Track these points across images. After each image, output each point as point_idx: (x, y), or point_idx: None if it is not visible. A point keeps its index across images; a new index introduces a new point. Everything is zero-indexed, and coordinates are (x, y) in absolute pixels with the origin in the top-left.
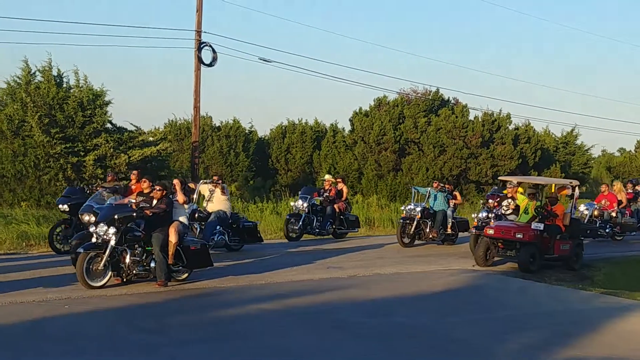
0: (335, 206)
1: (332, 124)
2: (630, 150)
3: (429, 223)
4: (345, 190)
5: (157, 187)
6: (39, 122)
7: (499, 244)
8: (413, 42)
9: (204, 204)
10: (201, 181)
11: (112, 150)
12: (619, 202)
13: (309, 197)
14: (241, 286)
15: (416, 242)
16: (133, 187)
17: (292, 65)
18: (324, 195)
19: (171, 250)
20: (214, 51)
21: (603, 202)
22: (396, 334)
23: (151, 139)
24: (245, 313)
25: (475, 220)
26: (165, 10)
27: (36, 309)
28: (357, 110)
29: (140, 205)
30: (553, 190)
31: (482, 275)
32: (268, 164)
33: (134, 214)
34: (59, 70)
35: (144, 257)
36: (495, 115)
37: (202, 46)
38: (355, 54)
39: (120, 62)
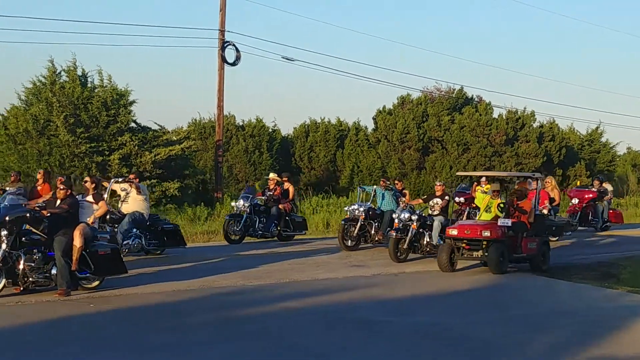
0: (281, 206)
1: (355, 123)
2: None
3: (375, 224)
4: (291, 189)
5: (60, 186)
6: (64, 121)
7: (464, 245)
8: (436, 40)
9: (119, 205)
10: (113, 180)
11: (136, 149)
12: (551, 200)
13: (251, 196)
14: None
15: (362, 245)
16: (39, 187)
17: (315, 63)
18: (268, 195)
19: (75, 255)
20: (237, 50)
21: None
22: (418, 334)
23: (175, 138)
24: (266, 312)
25: (397, 221)
26: (189, 9)
27: (61, 307)
28: (381, 109)
29: (38, 205)
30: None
31: (505, 275)
32: (291, 163)
33: (27, 215)
34: (83, 70)
35: (44, 264)
36: (519, 112)
37: (225, 45)
38: (378, 52)
39: (144, 61)
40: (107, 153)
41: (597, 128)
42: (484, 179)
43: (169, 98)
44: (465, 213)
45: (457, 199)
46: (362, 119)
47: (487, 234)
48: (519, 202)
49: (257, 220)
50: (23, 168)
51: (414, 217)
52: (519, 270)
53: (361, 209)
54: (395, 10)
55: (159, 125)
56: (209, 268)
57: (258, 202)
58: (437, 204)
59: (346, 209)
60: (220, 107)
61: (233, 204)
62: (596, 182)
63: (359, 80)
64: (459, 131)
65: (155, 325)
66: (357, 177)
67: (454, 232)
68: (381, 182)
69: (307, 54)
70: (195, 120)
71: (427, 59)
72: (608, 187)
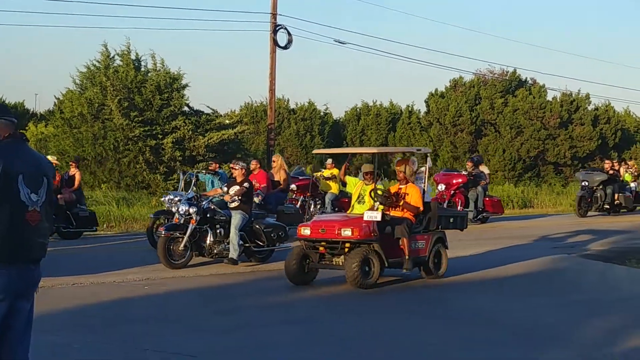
0: (60, 197)
1: (407, 106)
2: None
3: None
4: (77, 176)
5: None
6: (118, 105)
7: (320, 248)
8: (490, 21)
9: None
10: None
11: (190, 132)
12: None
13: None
14: None
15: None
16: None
17: (367, 46)
18: None
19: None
20: (289, 34)
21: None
22: (475, 319)
23: (227, 121)
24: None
25: (177, 217)
26: None
27: (117, 289)
28: (433, 92)
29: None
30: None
31: (560, 258)
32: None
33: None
34: (137, 54)
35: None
36: (573, 95)
37: (277, 29)
38: (430, 34)
39: (197, 45)
40: (160, 137)
41: None
42: (329, 161)
43: (221, 82)
44: (299, 203)
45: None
46: (415, 101)
47: (347, 233)
48: (401, 188)
49: None
50: (78, 151)
51: (193, 210)
52: (573, 254)
53: (186, 208)
54: None
55: (211, 109)
56: None
57: None
58: (229, 193)
59: (163, 199)
60: (272, 90)
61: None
62: (469, 164)
63: (411, 63)
64: (512, 114)
65: (210, 307)
66: None
67: (306, 231)
68: (211, 166)
69: (359, 37)
70: (248, 104)
71: (480, 41)
72: (484, 169)
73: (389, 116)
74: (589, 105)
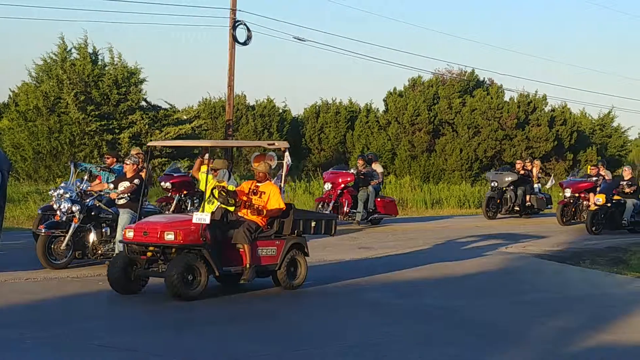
0: None
1: (366, 104)
2: None
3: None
4: None
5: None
6: (74, 99)
7: (148, 253)
8: (449, 22)
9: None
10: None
11: (147, 127)
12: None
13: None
14: None
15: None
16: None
17: (327, 44)
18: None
19: None
20: (248, 30)
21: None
22: (427, 316)
23: (185, 117)
24: (274, 293)
25: (58, 214)
26: None
27: (70, 285)
28: (392, 91)
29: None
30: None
31: (516, 258)
32: (301, 144)
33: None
34: (94, 47)
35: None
36: (531, 96)
37: (237, 25)
38: (390, 33)
39: (156, 40)
40: (117, 131)
41: (609, 113)
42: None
43: (181, 77)
44: (175, 203)
45: (163, 183)
46: (373, 100)
47: (170, 237)
48: (258, 186)
49: None
50: (33, 145)
51: (76, 208)
52: (529, 255)
53: (68, 206)
54: None
55: (169, 104)
56: None
57: None
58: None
59: (51, 192)
60: (230, 86)
61: None
62: (360, 162)
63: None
64: (470, 114)
65: (162, 304)
66: None
67: (129, 234)
68: (107, 160)
69: (319, 34)
70: (206, 99)
71: (438, 41)
72: (378, 168)
73: (348, 114)
74: (545, 106)
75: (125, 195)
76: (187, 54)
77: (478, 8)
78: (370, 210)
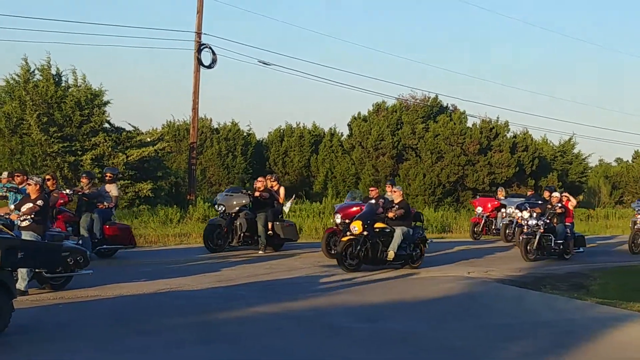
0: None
1: (330, 128)
2: (628, 161)
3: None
4: None
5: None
6: (37, 120)
7: None
8: (412, 48)
9: None
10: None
11: (110, 149)
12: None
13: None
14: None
15: None
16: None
17: (292, 68)
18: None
19: None
20: (213, 53)
21: None
22: (389, 340)
23: (149, 139)
24: (239, 315)
25: None
26: (166, 11)
27: (30, 307)
28: (356, 115)
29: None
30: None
31: (477, 283)
32: (265, 167)
33: None
34: (57, 69)
35: None
36: (493, 122)
37: (202, 48)
38: (354, 58)
39: (120, 62)
40: (79, 153)
41: (570, 140)
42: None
43: (145, 100)
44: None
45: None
46: (337, 125)
47: None
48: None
49: None
50: None
51: None
52: (491, 280)
53: None
54: (372, 17)
55: (132, 126)
56: (180, 270)
57: None
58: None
59: None
60: (195, 109)
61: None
62: (84, 180)
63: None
64: (433, 139)
65: (126, 327)
66: (331, 183)
67: None
68: (17, 177)
69: (284, 58)
70: (170, 122)
71: (403, 67)
72: (112, 189)
73: (312, 138)
74: (507, 132)
75: (27, 217)
76: (151, 76)
77: (442, 35)
78: (98, 239)
